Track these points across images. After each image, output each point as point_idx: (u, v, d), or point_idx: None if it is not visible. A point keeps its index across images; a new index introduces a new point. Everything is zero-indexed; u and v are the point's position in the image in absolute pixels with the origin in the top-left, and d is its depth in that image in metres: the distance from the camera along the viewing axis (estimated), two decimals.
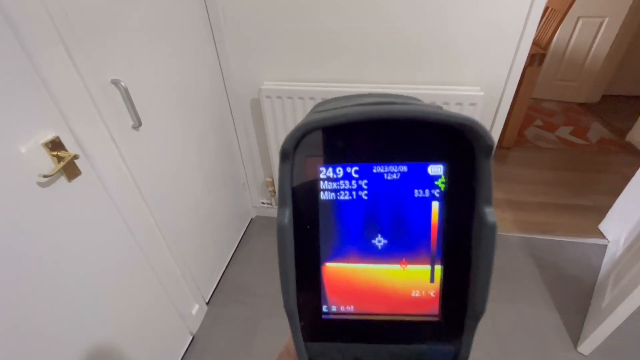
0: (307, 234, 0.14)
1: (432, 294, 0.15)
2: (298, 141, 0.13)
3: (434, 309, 0.15)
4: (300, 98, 1.17)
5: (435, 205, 0.14)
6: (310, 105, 1.18)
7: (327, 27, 1.08)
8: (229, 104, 1.30)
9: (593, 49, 2.50)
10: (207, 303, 1.26)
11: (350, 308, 0.15)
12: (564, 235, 1.50)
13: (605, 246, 1.43)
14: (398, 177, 0.14)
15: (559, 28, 1.95)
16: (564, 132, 2.35)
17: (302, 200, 0.14)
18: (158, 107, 0.91)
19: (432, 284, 0.15)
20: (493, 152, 0.12)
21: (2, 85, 0.53)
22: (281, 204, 0.14)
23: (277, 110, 1.22)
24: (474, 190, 0.13)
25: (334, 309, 0.16)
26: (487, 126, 1.16)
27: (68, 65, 0.63)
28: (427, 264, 0.14)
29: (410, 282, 0.15)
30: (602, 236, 1.48)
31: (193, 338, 1.16)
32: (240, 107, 1.32)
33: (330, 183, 0.14)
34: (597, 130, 2.36)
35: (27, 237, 0.58)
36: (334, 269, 0.15)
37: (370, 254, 0.14)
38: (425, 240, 0.14)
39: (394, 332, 0.15)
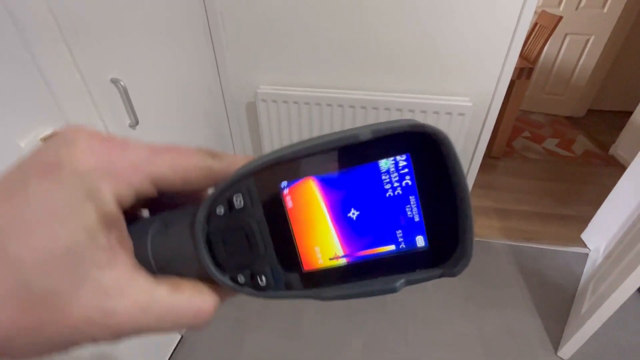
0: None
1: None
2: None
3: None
4: (295, 103, 1.19)
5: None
6: (304, 110, 1.21)
7: (322, 35, 1.11)
8: (225, 106, 1.32)
9: (579, 65, 2.60)
10: None
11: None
12: (548, 243, 1.54)
13: (587, 255, 1.48)
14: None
15: (547, 44, 2.02)
16: (551, 143, 2.42)
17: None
18: (155, 107, 0.93)
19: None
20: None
21: (4, 81, 0.54)
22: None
23: (272, 114, 1.24)
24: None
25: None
26: (474, 136, 1.20)
27: (69, 63, 0.65)
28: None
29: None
30: (584, 245, 1.52)
31: (181, 338, 1.16)
32: (236, 110, 1.34)
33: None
34: (582, 143, 2.44)
35: None
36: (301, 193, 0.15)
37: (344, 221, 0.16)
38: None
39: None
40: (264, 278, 0.16)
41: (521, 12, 0.96)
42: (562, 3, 2.43)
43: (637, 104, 2.08)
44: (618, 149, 2.24)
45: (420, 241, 0.15)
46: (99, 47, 0.72)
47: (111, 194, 0.13)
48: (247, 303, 1.27)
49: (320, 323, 1.22)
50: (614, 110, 2.85)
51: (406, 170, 0.14)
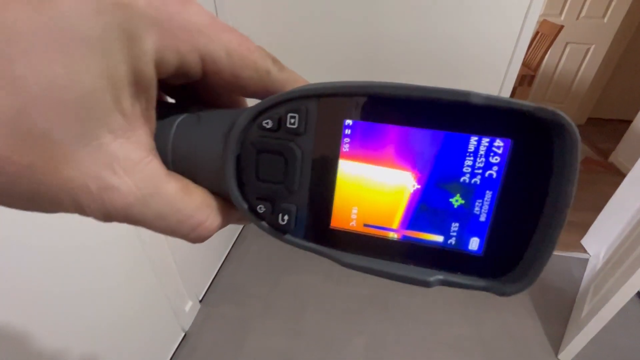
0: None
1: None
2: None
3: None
4: None
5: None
6: None
7: (330, 41, 1.13)
8: None
9: (580, 74, 2.63)
10: (200, 301, 1.28)
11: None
12: None
13: (587, 260, 1.50)
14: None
15: (548, 52, 2.05)
16: None
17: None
18: None
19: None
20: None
21: None
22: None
23: None
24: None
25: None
26: None
27: None
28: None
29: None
30: (584, 250, 1.54)
31: (185, 335, 1.17)
32: None
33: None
34: (582, 151, 2.44)
35: (23, 230, 0.59)
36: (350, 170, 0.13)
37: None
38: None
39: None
40: (286, 217, 0.14)
41: (525, 20, 0.98)
42: (563, 12, 2.47)
43: (637, 113, 2.11)
44: (618, 157, 2.26)
45: (474, 244, 0.13)
46: None
47: (153, 51, 0.11)
48: (250, 304, 1.28)
49: (323, 322, 1.23)
50: (613, 118, 2.88)
51: (498, 158, 0.12)
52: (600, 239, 1.48)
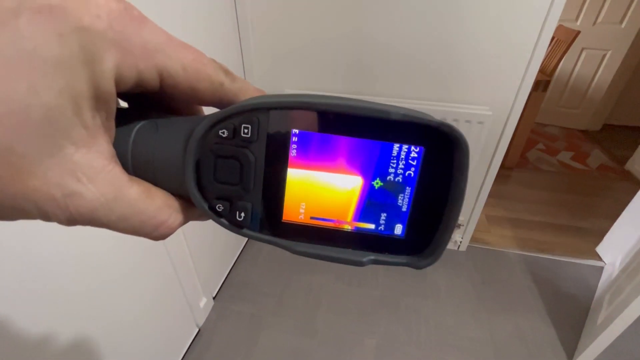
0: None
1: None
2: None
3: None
4: None
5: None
6: None
7: (346, 43, 1.15)
8: None
9: (595, 80, 2.60)
10: (214, 298, 1.30)
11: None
12: (562, 255, 1.54)
13: (602, 268, 1.48)
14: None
15: (564, 57, 2.04)
16: (565, 156, 2.42)
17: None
18: None
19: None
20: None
21: None
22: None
23: None
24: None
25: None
26: (492, 145, 1.23)
27: None
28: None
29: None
30: (599, 258, 1.52)
31: (199, 331, 1.19)
32: None
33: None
34: (597, 157, 2.43)
35: (40, 226, 0.62)
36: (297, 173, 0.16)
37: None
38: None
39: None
40: (242, 214, 0.16)
41: (544, 24, 0.99)
42: (580, 18, 2.45)
43: None
44: (634, 164, 2.23)
45: (398, 229, 0.16)
46: None
47: (112, 68, 0.11)
48: (263, 301, 1.30)
49: (334, 322, 1.24)
50: (630, 125, 2.84)
51: (414, 161, 0.15)
52: (616, 247, 1.46)
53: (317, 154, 0.15)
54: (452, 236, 1.47)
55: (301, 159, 0.15)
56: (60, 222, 0.12)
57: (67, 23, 0.10)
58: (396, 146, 0.15)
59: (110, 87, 0.12)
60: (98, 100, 0.12)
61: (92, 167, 0.12)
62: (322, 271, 1.42)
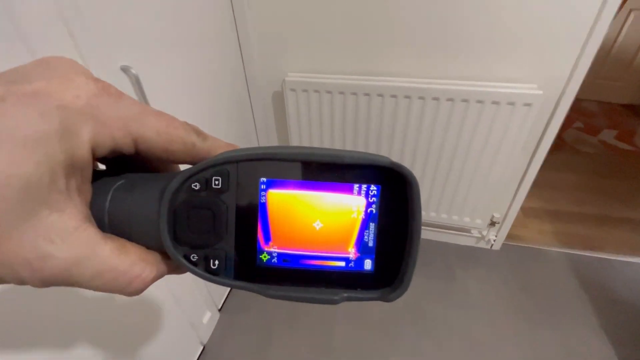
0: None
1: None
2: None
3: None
4: (328, 92, 1.05)
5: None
6: (338, 101, 1.07)
7: (356, 14, 0.95)
8: (249, 96, 1.20)
9: None
10: (220, 310, 1.18)
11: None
12: (614, 253, 1.35)
13: None
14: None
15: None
16: (608, 135, 2.16)
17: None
18: (171, 98, 0.82)
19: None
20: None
21: None
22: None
23: (301, 105, 1.11)
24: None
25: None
26: (538, 131, 1.02)
27: (69, 47, 0.54)
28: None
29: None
30: None
31: (204, 348, 1.08)
32: (261, 101, 1.22)
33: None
34: None
35: None
36: (277, 198, 0.17)
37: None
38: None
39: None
40: (217, 262, 0.17)
41: None
42: None
43: None
44: None
45: (368, 264, 0.17)
46: (107, 30, 0.61)
47: (89, 139, 0.13)
48: (272, 311, 1.18)
49: (354, 336, 1.11)
50: None
51: (374, 199, 0.17)
52: None
53: (284, 200, 0.17)
54: (486, 235, 1.29)
55: (271, 204, 0.17)
56: (35, 285, 0.13)
57: (49, 103, 0.12)
58: (356, 186, 0.16)
59: (85, 155, 0.13)
60: (74, 167, 0.13)
61: (65, 228, 0.13)
62: None
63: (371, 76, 1.03)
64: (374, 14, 0.95)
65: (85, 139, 0.13)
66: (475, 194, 1.15)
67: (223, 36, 1.01)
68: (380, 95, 1.02)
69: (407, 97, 1.00)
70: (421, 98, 0.99)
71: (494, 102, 0.94)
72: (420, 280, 1.24)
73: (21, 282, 0.12)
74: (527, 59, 0.92)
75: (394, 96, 1.01)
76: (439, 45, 0.96)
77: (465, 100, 0.96)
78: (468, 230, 1.34)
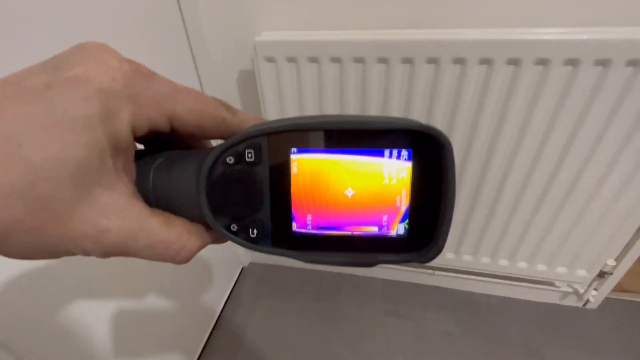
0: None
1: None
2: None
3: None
4: (335, 60, 0.58)
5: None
6: (352, 72, 0.59)
7: None
8: (199, 76, 0.72)
9: None
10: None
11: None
12: None
13: None
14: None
15: None
16: None
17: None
18: None
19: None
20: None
21: None
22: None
23: (285, 84, 0.63)
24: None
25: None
26: None
27: None
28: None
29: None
30: None
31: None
32: (218, 83, 0.73)
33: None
34: None
35: None
36: (305, 163, 0.17)
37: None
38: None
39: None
40: (255, 231, 0.18)
41: None
42: None
43: None
44: None
45: (401, 229, 0.18)
46: None
47: (129, 121, 0.14)
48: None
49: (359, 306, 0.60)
50: None
51: (405, 165, 0.16)
52: None
53: (315, 169, 0.17)
54: (585, 291, 0.82)
55: (302, 173, 0.17)
56: (98, 255, 0.14)
57: (90, 88, 0.12)
58: (387, 152, 0.16)
59: (128, 136, 0.14)
60: (118, 148, 0.14)
61: (118, 205, 0.14)
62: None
63: (385, 30, 0.57)
64: None
65: (126, 121, 0.13)
66: (584, 231, 0.69)
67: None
68: (433, 59, 0.55)
69: (484, 60, 0.53)
70: (511, 62, 0.53)
71: (608, 59, 0.49)
72: None
73: (86, 253, 0.14)
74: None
75: (459, 61, 0.54)
76: None
77: (599, 61, 0.50)
78: (551, 283, 0.87)
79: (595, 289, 0.84)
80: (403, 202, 0.17)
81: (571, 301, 0.90)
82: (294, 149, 0.16)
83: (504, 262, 0.78)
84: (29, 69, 0.13)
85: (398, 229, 0.17)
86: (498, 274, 0.81)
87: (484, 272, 0.81)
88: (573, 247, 0.72)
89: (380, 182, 0.17)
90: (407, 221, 0.17)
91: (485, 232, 0.74)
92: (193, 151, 0.18)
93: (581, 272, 0.75)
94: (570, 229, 0.70)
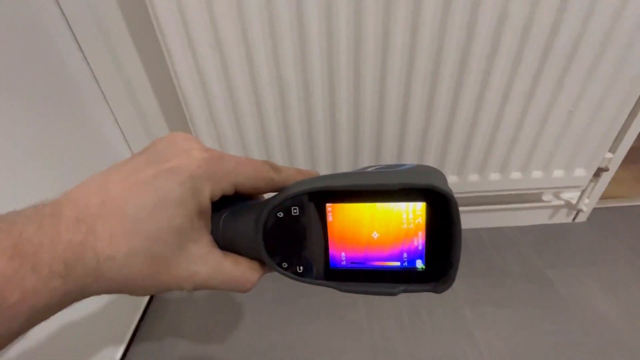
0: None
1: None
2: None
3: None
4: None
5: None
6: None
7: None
8: (70, 28, 0.48)
9: None
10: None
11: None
12: None
13: None
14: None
15: None
16: None
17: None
18: None
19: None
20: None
21: None
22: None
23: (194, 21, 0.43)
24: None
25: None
26: None
27: None
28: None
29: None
30: None
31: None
32: (89, 26, 0.51)
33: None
34: None
35: None
36: (339, 210, 0.22)
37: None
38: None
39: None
40: (301, 268, 0.23)
41: None
42: None
43: None
44: None
45: (419, 263, 0.22)
46: None
47: (208, 193, 0.20)
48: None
49: None
50: None
51: (420, 213, 0.20)
52: None
53: (346, 217, 0.21)
54: (577, 200, 0.74)
55: (336, 221, 0.22)
56: (189, 290, 0.20)
57: (183, 175, 0.18)
58: (403, 204, 0.20)
59: (208, 205, 0.20)
60: (202, 213, 0.20)
61: (202, 253, 0.20)
62: None
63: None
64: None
65: (207, 195, 0.19)
66: (580, 125, 0.59)
67: None
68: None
69: None
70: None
71: None
72: (506, 312, 0.65)
73: (182, 289, 0.19)
74: None
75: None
76: None
77: None
78: (538, 198, 0.78)
79: (587, 197, 0.77)
80: (420, 242, 0.21)
81: (561, 217, 0.82)
82: (329, 203, 0.21)
83: (495, 177, 0.66)
84: (138, 161, 0.19)
85: (417, 263, 0.22)
86: (488, 193, 0.69)
87: (471, 195, 0.69)
88: (568, 148, 0.62)
89: (400, 227, 0.21)
90: (424, 257, 0.21)
91: (470, 148, 0.61)
92: (251, 203, 0.25)
93: (580, 172, 0.66)
94: (562, 130, 0.59)
